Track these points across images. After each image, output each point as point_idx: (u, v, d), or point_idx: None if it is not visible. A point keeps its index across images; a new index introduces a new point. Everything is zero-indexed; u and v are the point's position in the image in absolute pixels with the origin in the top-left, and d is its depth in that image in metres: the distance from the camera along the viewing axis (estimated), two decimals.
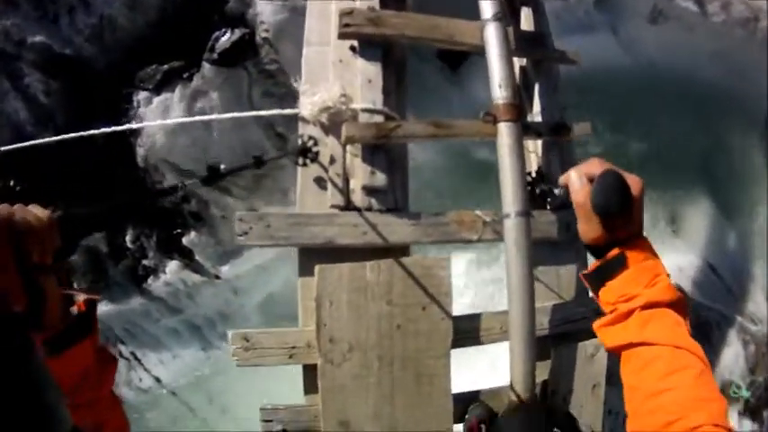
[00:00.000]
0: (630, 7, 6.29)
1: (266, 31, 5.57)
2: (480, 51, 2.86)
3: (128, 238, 5.82)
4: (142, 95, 5.69)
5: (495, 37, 2.77)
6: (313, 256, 2.90)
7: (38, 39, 5.82)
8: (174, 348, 5.96)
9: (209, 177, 2.29)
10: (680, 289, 4.93)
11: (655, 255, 1.30)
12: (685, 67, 6.05)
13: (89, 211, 1.64)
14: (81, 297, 1.22)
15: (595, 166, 1.28)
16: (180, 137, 5.55)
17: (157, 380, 5.87)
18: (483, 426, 2.71)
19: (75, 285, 1.24)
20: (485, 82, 2.78)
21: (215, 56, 5.59)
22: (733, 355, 5.48)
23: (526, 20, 3.65)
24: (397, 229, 2.97)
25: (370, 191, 2.96)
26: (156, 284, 5.91)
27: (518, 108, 2.72)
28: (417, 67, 5.27)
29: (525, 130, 3.13)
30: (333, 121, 3.03)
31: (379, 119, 3.01)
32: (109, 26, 5.75)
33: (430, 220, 3.03)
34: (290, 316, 5.26)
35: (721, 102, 6.08)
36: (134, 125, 5.04)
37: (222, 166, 2.32)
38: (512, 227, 2.59)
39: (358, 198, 2.99)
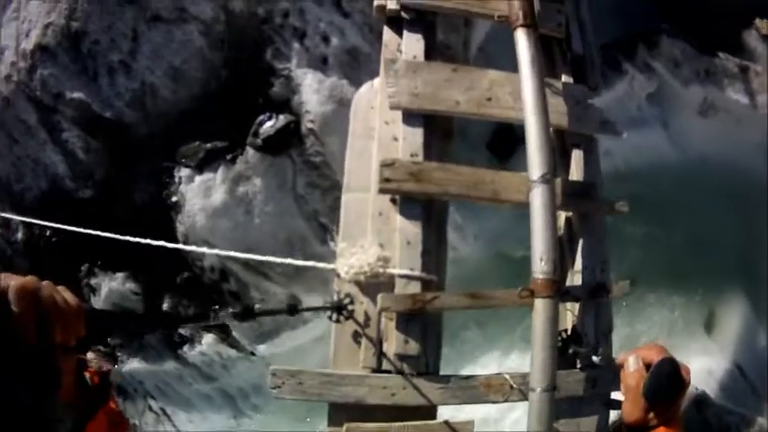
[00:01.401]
0: (681, 101, 6.17)
1: (312, 121, 5.53)
2: (525, 209, 2.84)
3: (165, 305, 5.91)
4: (184, 172, 5.70)
5: (541, 203, 2.77)
6: (342, 410, 2.97)
7: (76, 95, 5.84)
8: (205, 411, 6.08)
9: (242, 314, 2.34)
10: (705, 396, 4.91)
11: None
12: (733, 161, 5.97)
13: (118, 317, 1.67)
14: (94, 366, 1.21)
15: (654, 353, 1.38)
16: (221, 219, 5.59)
17: None
18: None
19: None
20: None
21: (259, 141, 5.56)
22: None
23: (576, 165, 3.59)
24: (426, 392, 3.00)
25: (402, 357, 2.99)
26: (191, 353, 5.98)
27: (557, 284, 2.71)
28: (466, 155, 5.24)
29: (564, 296, 3.13)
30: (369, 282, 3.05)
31: (416, 284, 3.03)
32: (151, 94, 5.74)
33: (459, 383, 3.09)
34: None
35: (764, 196, 5.92)
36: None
37: (257, 306, 2.38)
38: (536, 402, 2.60)
39: (390, 361, 3.02)
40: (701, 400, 5.45)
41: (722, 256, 6.09)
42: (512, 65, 3.09)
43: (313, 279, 5.57)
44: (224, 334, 5.92)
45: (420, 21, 3.56)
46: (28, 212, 5.93)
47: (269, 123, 5.57)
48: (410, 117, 3.31)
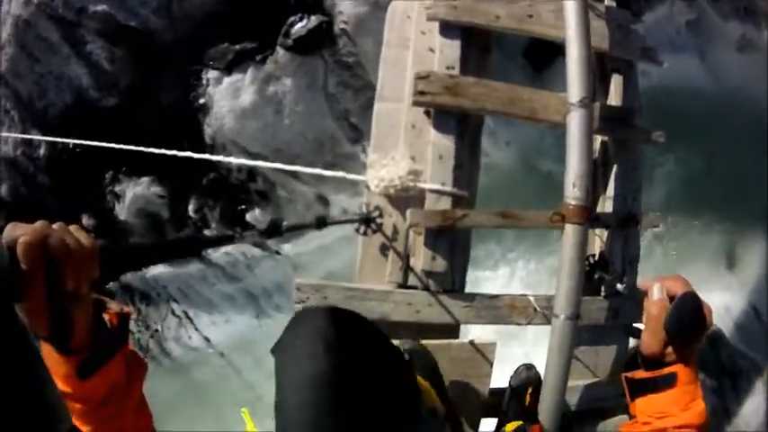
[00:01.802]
0: (720, 33, 5.96)
1: (345, 22, 5.38)
2: (562, 129, 2.84)
3: (190, 207, 5.96)
4: (212, 74, 5.63)
5: (578, 128, 2.74)
6: None
7: (100, 8, 5.72)
8: (228, 313, 6.19)
9: (269, 231, 2.39)
10: (720, 334, 4.99)
11: (697, 378, 1.37)
12: (765, 99, 5.82)
13: (134, 249, 1.70)
14: (113, 307, 1.21)
15: (679, 286, 1.34)
16: (250, 120, 5.54)
17: (207, 339, 6.16)
18: (530, 388, 2.83)
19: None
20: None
21: (290, 41, 5.45)
22: (754, 407, 5.51)
23: (615, 90, 3.55)
24: (451, 309, 3.07)
25: (429, 274, 3.04)
26: (215, 254, 6.06)
27: (588, 210, 2.72)
28: (501, 63, 5.12)
29: (594, 222, 3.14)
30: (399, 195, 3.06)
31: (446, 200, 3.05)
32: None
33: (484, 303, 3.14)
34: None
35: None
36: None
37: (285, 223, 2.43)
38: (558, 329, 2.65)
39: (416, 277, 3.07)
40: (717, 337, 5.53)
41: (749, 192, 5.98)
42: None
43: (342, 180, 5.54)
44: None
45: None
46: (51, 128, 5.95)
47: (300, 24, 5.44)
48: (447, 28, 3.23)
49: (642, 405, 1.40)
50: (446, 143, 3.10)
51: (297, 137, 5.57)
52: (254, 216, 5.94)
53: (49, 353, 1.10)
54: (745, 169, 5.97)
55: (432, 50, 3.26)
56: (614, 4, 3.63)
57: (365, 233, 3.03)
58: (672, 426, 1.33)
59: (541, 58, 5.69)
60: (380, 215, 3.05)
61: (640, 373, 1.41)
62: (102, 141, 5.60)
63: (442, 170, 3.06)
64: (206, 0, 5.64)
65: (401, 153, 3.11)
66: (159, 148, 5.58)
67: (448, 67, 3.20)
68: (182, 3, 5.67)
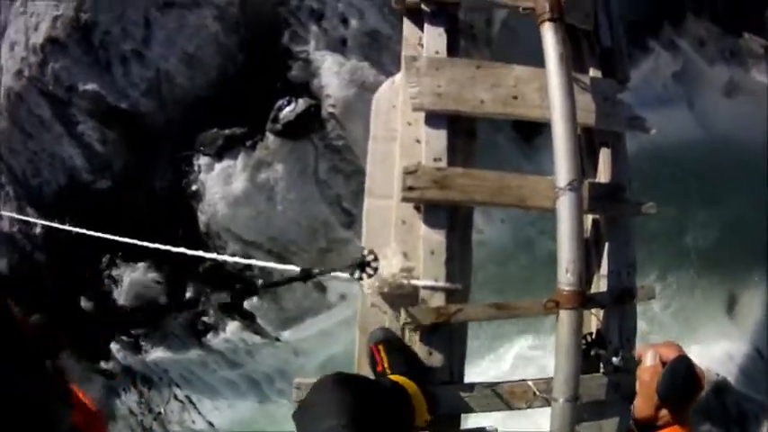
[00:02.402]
0: (707, 80, 6.00)
1: (333, 106, 5.43)
2: (553, 213, 2.80)
3: (188, 294, 5.92)
4: (203, 160, 5.64)
5: (568, 212, 2.71)
6: None
7: (90, 87, 5.76)
8: (230, 398, 6.11)
9: (304, 277, 2.65)
10: (726, 382, 4.92)
11: None
12: (758, 142, 5.80)
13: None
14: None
15: (672, 351, 1.41)
16: (243, 208, 5.54)
17: (210, 424, 6.07)
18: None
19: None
20: None
21: (279, 126, 5.48)
22: None
23: (604, 165, 3.51)
24: (450, 401, 2.99)
25: (426, 369, 2.97)
26: (215, 340, 6.00)
27: (582, 295, 2.68)
28: (490, 137, 5.12)
29: (589, 302, 3.09)
30: (392, 292, 3.00)
31: (440, 295, 3.00)
32: (166, 82, 5.65)
33: (483, 392, 3.06)
34: None
35: None
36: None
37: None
38: (558, 412, 2.60)
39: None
40: (722, 386, 5.47)
41: (746, 238, 5.96)
42: (538, 40, 3.00)
43: (338, 262, 5.52)
44: (248, 321, 5.93)
45: (442, 13, 3.43)
46: (46, 206, 5.96)
47: (288, 108, 5.47)
48: (433, 118, 3.23)
49: None
50: (437, 238, 3.06)
51: (290, 224, 5.58)
52: (252, 304, 5.89)
53: None
54: (741, 214, 5.93)
55: (418, 141, 3.24)
56: (599, 74, 3.60)
57: (360, 278, 2.97)
58: None
59: (531, 127, 5.70)
60: (375, 258, 2.97)
61: None
62: (97, 224, 5.62)
63: (435, 265, 3.02)
64: (195, 84, 5.68)
65: (392, 250, 3.06)
66: (153, 233, 5.59)
67: (435, 159, 3.17)
68: (171, 86, 5.71)
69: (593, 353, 3.19)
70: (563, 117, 2.85)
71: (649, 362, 1.43)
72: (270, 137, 5.55)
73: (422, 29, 3.46)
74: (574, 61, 3.25)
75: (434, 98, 3.21)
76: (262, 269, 5.77)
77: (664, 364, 1.41)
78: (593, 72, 3.60)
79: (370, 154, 3.34)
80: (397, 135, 3.29)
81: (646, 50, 5.73)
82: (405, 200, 3.07)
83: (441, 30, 3.40)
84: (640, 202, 3.52)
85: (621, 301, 3.34)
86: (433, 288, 2.99)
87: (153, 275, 5.94)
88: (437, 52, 3.35)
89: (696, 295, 5.94)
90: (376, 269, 2.94)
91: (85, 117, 5.91)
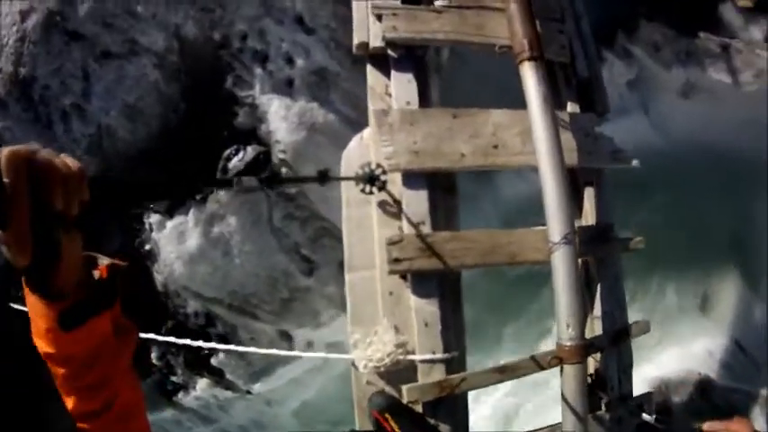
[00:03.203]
0: (663, 84, 6.00)
1: (283, 151, 5.20)
2: (546, 266, 2.71)
3: (153, 355, 5.60)
4: (153, 218, 5.31)
5: (565, 267, 2.61)
6: None
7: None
8: None
9: (269, 179, 2.33)
10: (708, 379, 4.96)
11: None
12: (716, 139, 5.88)
13: (126, 183, 1.55)
14: (105, 261, 1.09)
15: (743, 429, 1.34)
16: (199, 265, 5.25)
17: None
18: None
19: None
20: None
21: (229, 178, 5.17)
22: None
23: (590, 204, 3.42)
24: None
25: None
26: (186, 398, 5.72)
27: (584, 348, 2.63)
28: None
29: (588, 349, 2.98)
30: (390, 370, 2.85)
31: (440, 367, 2.87)
32: (108, 137, 5.34)
33: None
34: (328, 421, 5.20)
35: (751, 171, 5.93)
36: None
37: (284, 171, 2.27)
38: None
39: None
40: (705, 383, 5.52)
41: (712, 235, 6.05)
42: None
43: (302, 314, 5.37)
44: (217, 377, 5.66)
45: (409, 57, 3.26)
46: None
47: (237, 157, 5.21)
48: (411, 178, 3.05)
49: None
50: (430, 308, 2.93)
51: (249, 276, 5.33)
52: (219, 360, 5.61)
53: (31, 302, 0.98)
54: (705, 212, 5.99)
55: (397, 204, 3.04)
56: (578, 107, 3.47)
57: (370, 192, 2.92)
58: None
59: None
60: (384, 172, 2.91)
61: None
62: None
63: (430, 337, 2.88)
64: (137, 136, 5.38)
65: (384, 326, 2.93)
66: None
67: (419, 224, 2.97)
68: (113, 140, 5.40)
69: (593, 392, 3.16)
70: (552, 168, 2.74)
71: None
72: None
73: (388, 76, 3.26)
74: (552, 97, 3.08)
75: (411, 156, 3.01)
76: (225, 324, 5.52)
77: None
78: (570, 106, 3.48)
79: (345, 222, 3.14)
80: (372, 198, 3.05)
81: (600, 61, 5.63)
82: (392, 272, 2.89)
83: (409, 76, 3.22)
84: (628, 238, 3.47)
85: (618, 340, 3.29)
86: (431, 361, 2.85)
87: None
88: (408, 102, 3.16)
89: (668, 297, 5.99)
90: (384, 182, 2.90)
91: None
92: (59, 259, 0.95)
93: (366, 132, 3.23)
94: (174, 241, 5.20)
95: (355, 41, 3.27)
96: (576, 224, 3.27)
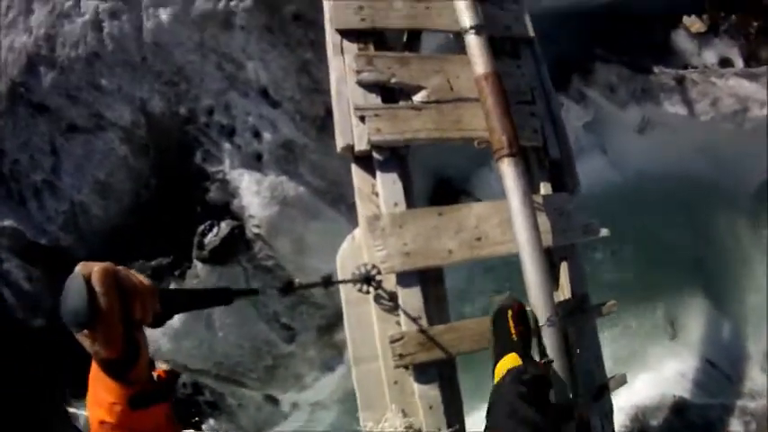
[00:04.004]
0: (619, 123, 6.13)
1: (257, 226, 5.21)
2: None
3: None
4: None
5: (551, 345, 2.76)
6: None
7: (8, 223, 5.35)
8: None
9: (285, 288, 3.18)
10: (682, 400, 5.15)
11: None
12: (673, 168, 6.06)
13: (188, 294, 1.82)
14: (163, 366, 1.42)
15: None
16: (184, 340, 5.22)
17: None
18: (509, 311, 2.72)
19: None
20: None
21: (205, 253, 5.20)
22: None
23: (565, 278, 3.56)
24: None
25: None
26: None
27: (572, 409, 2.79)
28: None
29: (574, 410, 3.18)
30: None
31: None
32: (82, 214, 5.27)
33: None
34: None
35: (709, 194, 6.15)
36: None
37: (297, 281, 2.49)
38: None
39: None
40: (681, 405, 5.72)
41: (676, 260, 6.25)
42: None
43: (286, 378, 5.44)
44: None
45: (394, 157, 3.35)
46: None
47: (212, 233, 5.18)
48: (405, 277, 3.16)
49: None
50: (432, 393, 3.05)
51: (233, 347, 5.34)
52: (210, 426, 5.63)
53: (99, 379, 1.24)
54: (668, 239, 6.22)
55: (393, 298, 3.18)
56: (550, 187, 3.64)
57: (367, 292, 3.03)
58: None
59: (447, 197, 5.82)
60: (379, 272, 3.02)
61: None
62: (38, 363, 5.26)
63: (435, 418, 3.02)
64: (110, 213, 5.30)
65: (392, 411, 3.04)
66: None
67: (416, 319, 3.12)
68: (88, 217, 5.33)
69: None
70: (533, 257, 2.88)
71: None
72: (198, 264, 5.27)
73: (373, 175, 3.35)
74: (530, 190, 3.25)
75: (404, 258, 3.14)
76: (213, 392, 5.56)
77: None
78: (543, 187, 3.63)
79: (346, 318, 3.24)
80: (370, 296, 3.20)
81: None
82: (397, 366, 3.02)
83: (394, 176, 3.31)
84: (602, 304, 3.66)
85: (599, 396, 3.47)
86: None
87: None
88: (396, 204, 3.27)
89: (637, 325, 6.17)
90: (380, 282, 3.02)
91: (8, 254, 5.44)
92: (139, 356, 1.23)
93: (357, 232, 3.33)
94: None
95: (340, 144, 3.33)
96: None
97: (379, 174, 3.32)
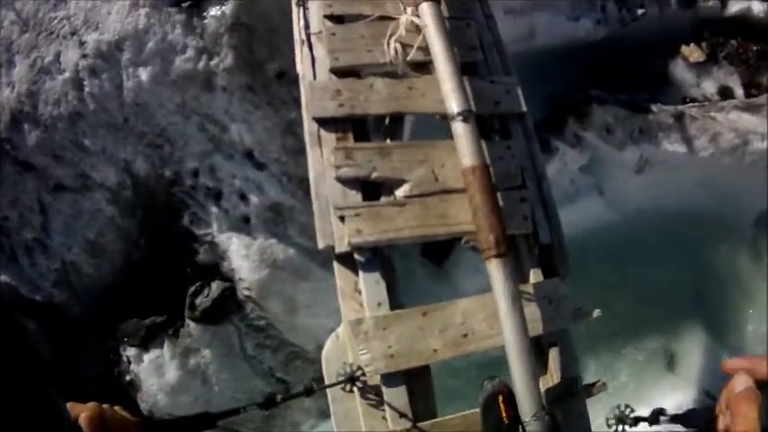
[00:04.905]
0: (616, 164, 5.99)
1: (247, 289, 5.18)
2: None
3: None
4: (130, 351, 5.25)
5: None
6: None
7: (2, 278, 5.35)
8: None
9: (267, 403, 2.61)
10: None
11: None
12: (672, 204, 5.94)
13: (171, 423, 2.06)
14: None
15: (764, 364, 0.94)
16: (181, 395, 5.23)
17: None
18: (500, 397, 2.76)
19: None
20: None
21: (197, 314, 5.17)
22: None
23: (554, 364, 3.49)
24: None
25: None
26: None
27: None
28: (401, 266, 5.10)
29: None
30: None
31: None
32: (74, 272, 5.25)
33: None
34: None
35: (708, 227, 6.06)
36: None
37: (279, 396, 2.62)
38: None
39: None
40: None
41: (675, 295, 6.19)
42: None
43: (284, 427, 5.47)
44: None
45: (376, 257, 3.28)
46: None
47: (203, 294, 5.13)
48: (390, 378, 3.13)
49: None
50: None
51: (229, 401, 5.29)
52: None
53: None
54: (667, 274, 6.13)
55: (378, 394, 3.15)
56: (540, 274, 3.57)
57: (351, 391, 3.05)
58: None
59: (440, 252, 5.67)
60: (363, 373, 3.03)
61: None
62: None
63: None
64: (102, 271, 5.28)
65: None
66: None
67: (401, 416, 3.10)
68: (79, 275, 5.30)
69: None
70: (520, 361, 2.84)
71: (742, 385, 1.00)
72: (191, 324, 5.24)
73: (356, 273, 3.29)
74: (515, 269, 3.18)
75: (388, 360, 3.10)
76: None
77: (759, 384, 1.01)
78: (533, 274, 3.55)
79: (333, 415, 3.21)
80: (355, 393, 3.17)
81: (550, 152, 5.61)
82: None
83: (377, 276, 3.24)
84: (591, 385, 3.58)
85: None
86: None
87: None
88: (379, 304, 3.21)
89: (637, 362, 6.14)
90: (365, 382, 3.02)
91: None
92: None
93: (341, 330, 3.30)
94: (154, 375, 5.18)
95: (320, 245, 3.29)
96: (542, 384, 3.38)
97: (361, 273, 3.26)
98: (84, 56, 5.06)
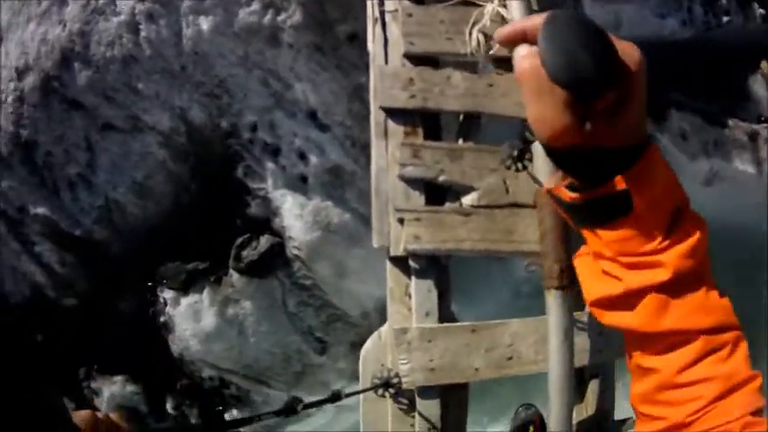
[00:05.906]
0: (686, 173, 5.70)
1: (297, 248, 5.10)
2: None
3: (168, 405, 5.75)
4: (168, 294, 5.32)
5: None
6: None
7: (40, 211, 5.41)
8: None
9: (286, 410, 2.56)
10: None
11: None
12: (736, 222, 5.68)
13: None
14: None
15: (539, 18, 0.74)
16: (215, 342, 5.30)
17: None
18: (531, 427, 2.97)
19: None
20: None
21: (242, 265, 5.14)
22: None
23: (592, 394, 3.40)
24: None
25: None
26: None
27: None
28: None
29: None
30: None
31: None
32: (118, 211, 5.28)
33: None
34: None
35: (760, 251, 5.77)
36: None
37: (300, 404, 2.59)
38: None
39: None
40: None
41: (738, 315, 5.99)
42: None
43: (313, 384, 5.46)
44: None
45: (432, 265, 3.16)
46: (12, 315, 5.73)
47: (250, 247, 5.11)
48: (426, 391, 3.08)
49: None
50: None
51: (264, 354, 5.38)
52: (233, 416, 5.76)
53: None
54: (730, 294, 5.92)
55: (410, 401, 3.12)
56: None
57: (383, 395, 3.07)
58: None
59: None
60: (398, 377, 3.02)
61: (571, 196, 0.83)
62: (67, 339, 5.45)
63: None
64: (148, 213, 5.29)
65: None
66: (125, 353, 5.44)
67: (432, 428, 3.07)
68: (123, 214, 5.33)
69: None
70: (561, 394, 2.81)
71: (523, 50, 0.76)
72: (234, 275, 5.24)
73: (409, 277, 3.19)
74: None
75: (427, 374, 3.05)
76: (238, 388, 5.67)
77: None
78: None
79: (363, 414, 3.22)
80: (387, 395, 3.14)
81: None
82: None
83: (430, 284, 3.14)
84: (623, 421, 3.50)
85: None
86: None
87: (131, 388, 5.68)
88: (428, 314, 3.13)
89: None
90: (399, 386, 3.01)
91: (41, 238, 5.52)
92: None
93: (384, 331, 3.23)
94: (190, 320, 5.24)
95: (375, 244, 3.18)
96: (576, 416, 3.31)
97: (414, 279, 3.16)
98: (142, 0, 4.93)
